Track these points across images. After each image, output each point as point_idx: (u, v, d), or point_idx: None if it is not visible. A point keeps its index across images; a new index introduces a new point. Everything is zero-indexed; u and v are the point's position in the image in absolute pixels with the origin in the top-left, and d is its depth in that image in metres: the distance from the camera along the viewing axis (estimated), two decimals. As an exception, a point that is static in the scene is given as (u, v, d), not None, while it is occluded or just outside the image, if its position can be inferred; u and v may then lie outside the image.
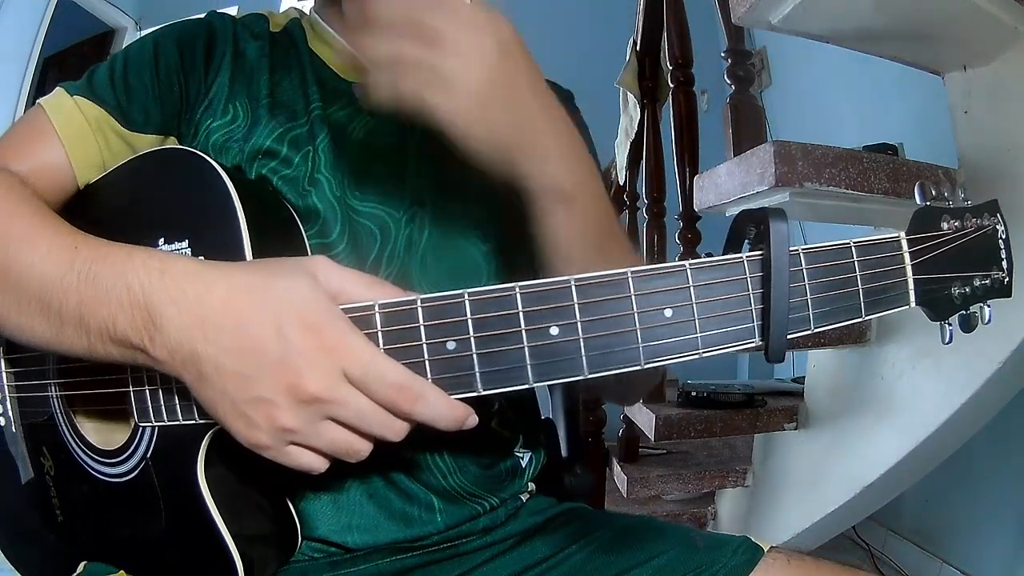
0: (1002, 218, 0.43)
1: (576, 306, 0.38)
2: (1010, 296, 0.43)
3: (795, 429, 1.40)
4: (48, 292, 0.43)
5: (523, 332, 0.38)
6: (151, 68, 0.58)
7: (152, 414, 0.46)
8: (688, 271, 0.38)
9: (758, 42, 2.83)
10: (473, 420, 0.40)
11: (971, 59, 1.03)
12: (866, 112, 2.21)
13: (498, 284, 0.61)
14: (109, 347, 0.42)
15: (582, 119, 0.69)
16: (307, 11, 0.68)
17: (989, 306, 0.43)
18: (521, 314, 0.38)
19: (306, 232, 0.55)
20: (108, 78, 0.58)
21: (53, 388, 0.55)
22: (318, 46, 0.64)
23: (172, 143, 0.60)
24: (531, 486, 0.68)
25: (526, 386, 0.38)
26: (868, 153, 1.00)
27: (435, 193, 0.60)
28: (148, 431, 0.48)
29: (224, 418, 0.40)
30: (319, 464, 0.41)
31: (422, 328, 0.39)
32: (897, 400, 1.17)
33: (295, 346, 0.38)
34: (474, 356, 0.38)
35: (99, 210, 0.55)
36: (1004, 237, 0.43)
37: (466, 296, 0.38)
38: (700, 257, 0.42)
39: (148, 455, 0.48)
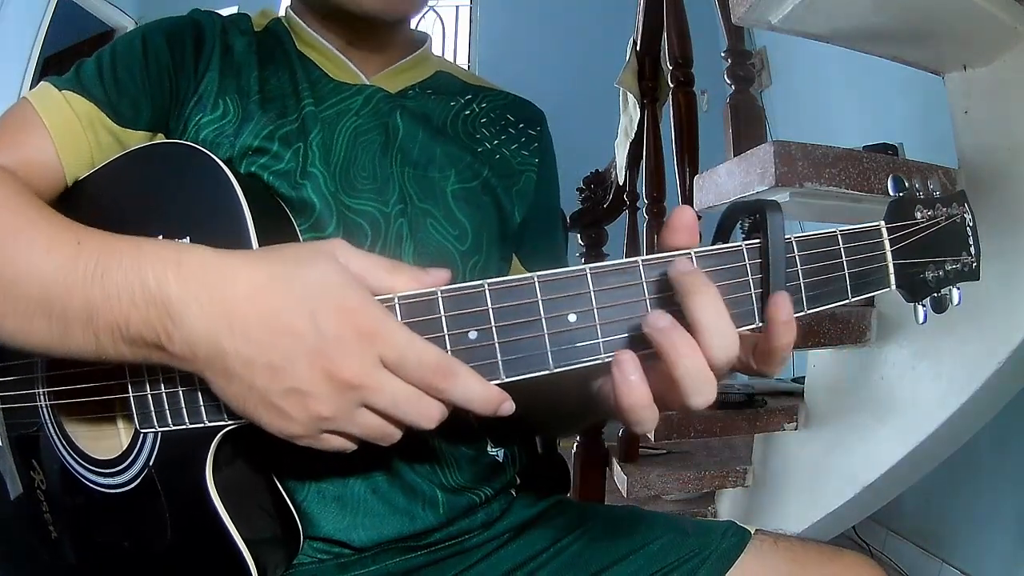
0: (969, 207, 0.47)
1: (592, 294, 0.39)
2: (978, 279, 0.46)
3: (795, 429, 1.40)
4: (50, 292, 0.40)
5: (543, 320, 0.39)
6: (140, 62, 0.57)
7: (155, 419, 0.45)
8: (693, 257, 0.40)
9: (758, 42, 2.83)
10: (509, 406, 0.40)
11: (971, 59, 1.03)
12: (866, 112, 2.21)
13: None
14: (121, 347, 0.40)
15: (547, 137, 0.73)
16: (283, 12, 0.69)
17: (959, 288, 0.46)
18: (540, 302, 0.39)
19: (301, 226, 0.56)
20: (96, 72, 0.56)
21: (42, 396, 0.52)
22: (304, 48, 0.65)
23: (161, 140, 0.58)
24: (517, 480, 0.69)
25: (547, 372, 0.39)
26: (868, 153, 1.00)
27: (419, 191, 0.61)
28: (150, 438, 0.47)
29: (253, 412, 0.39)
30: (351, 446, 0.41)
31: (443, 319, 0.39)
32: (897, 400, 1.16)
33: (329, 333, 0.37)
34: (496, 345, 0.39)
35: (90, 207, 0.53)
36: (972, 225, 0.46)
37: (486, 286, 0.39)
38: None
39: (151, 463, 0.47)
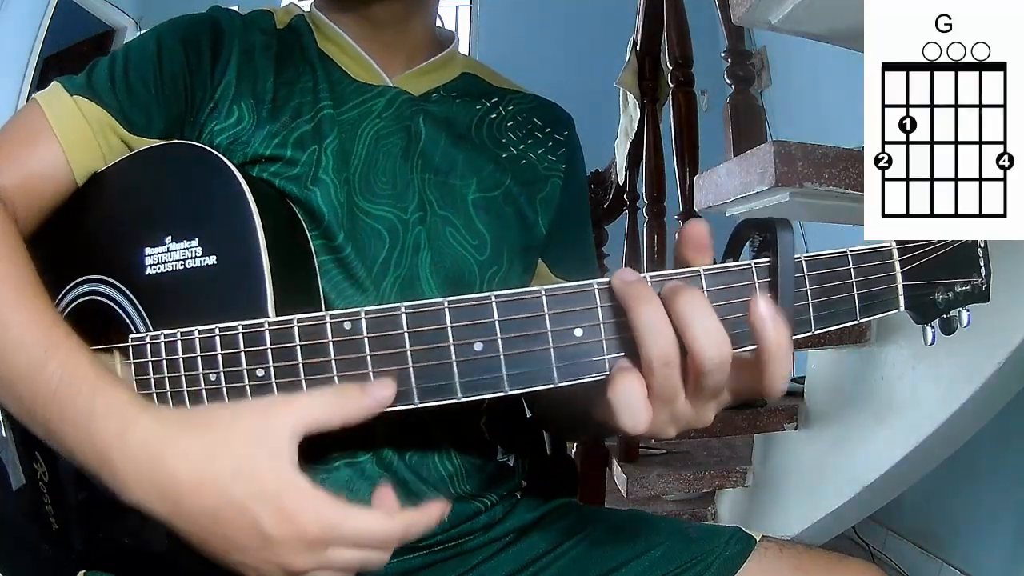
0: None
1: (599, 309, 0.39)
2: (987, 301, 0.45)
3: (795, 429, 1.40)
4: (16, 384, 0.42)
5: (549, 334, 0.39)
6: (154, 68, 0.56)
7: None
8: (702, 275, 0.39)
9: (758, 42, 2.84)
10: (447, 509, 0.44)
11: (971, 59, 1.02)
12: (866, 112, 2.21)
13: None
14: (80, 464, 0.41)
15: (574, 141, 0.72)
16: (307, 7, 0.67)
17: (968, 310, 0.45)
18: (547, 316, 0.39)
19: (311, 232, 0.55)
20: (109, 77, 0.55)
21: None
22: (326, 45, 0.63)
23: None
24: (524, 483, 0.68)
25: (552, 386, 0.39)
26: (868, 153, 1.00)
27: (439, 198, 0.60)
28: None
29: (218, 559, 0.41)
30: None
31: (449, 329, 0.39)
32: (897, 400, 1.17)
33: (275, 538, 0.39)
34: (501, 357, 0.39)
35: (99, 206, 0.53)
36: (983, 246, 0.45)
37: (493, 298, 0.39)
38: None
39: None
